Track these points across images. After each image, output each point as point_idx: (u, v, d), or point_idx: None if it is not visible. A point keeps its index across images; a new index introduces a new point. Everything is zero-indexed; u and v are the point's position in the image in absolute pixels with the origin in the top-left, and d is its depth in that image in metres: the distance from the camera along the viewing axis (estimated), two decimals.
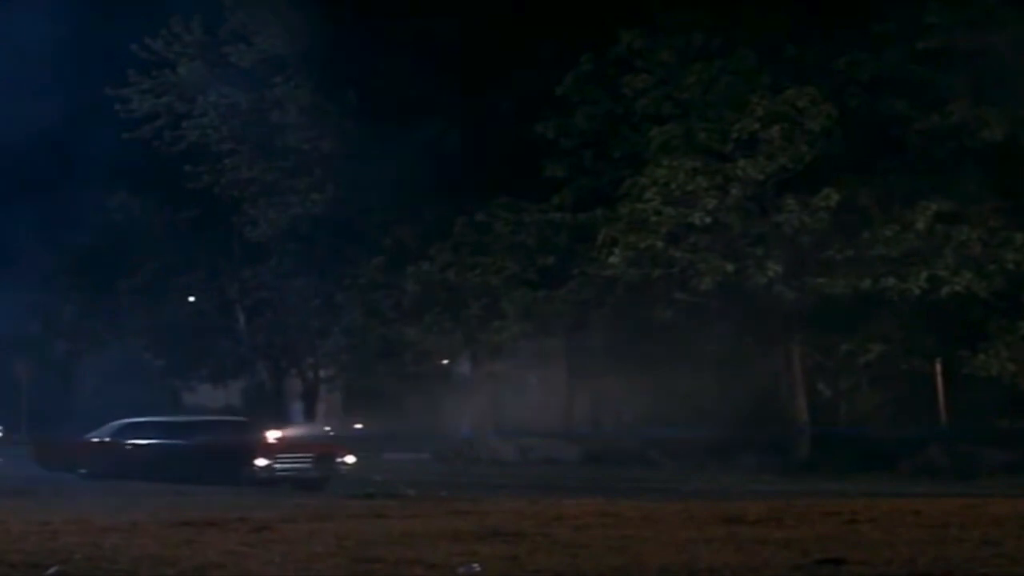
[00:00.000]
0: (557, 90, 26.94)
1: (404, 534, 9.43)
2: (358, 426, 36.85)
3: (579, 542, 8.76)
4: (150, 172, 34.40)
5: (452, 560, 7.66)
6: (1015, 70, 23.71)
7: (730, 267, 24.68)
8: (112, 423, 23.45)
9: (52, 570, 7.34)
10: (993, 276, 23.82)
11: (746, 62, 25.68)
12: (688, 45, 26.27)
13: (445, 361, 33.81)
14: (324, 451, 21.43)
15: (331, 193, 33.81)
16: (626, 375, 32.68)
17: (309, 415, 39.84)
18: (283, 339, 36.85)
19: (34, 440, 25.12)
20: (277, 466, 20.05)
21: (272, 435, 22.43)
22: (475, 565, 7.31)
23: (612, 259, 25.07)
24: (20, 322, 38.62)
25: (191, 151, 34.06)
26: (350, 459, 20.99)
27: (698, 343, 29.12)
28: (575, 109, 27.04)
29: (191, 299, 39.06)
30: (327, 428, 31.33)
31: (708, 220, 24.66)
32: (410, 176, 30.99)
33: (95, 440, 22.95)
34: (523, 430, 32.67)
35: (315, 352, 36.08)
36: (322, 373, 37.40)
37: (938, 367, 26.36)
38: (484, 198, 28.31)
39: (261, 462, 20.02)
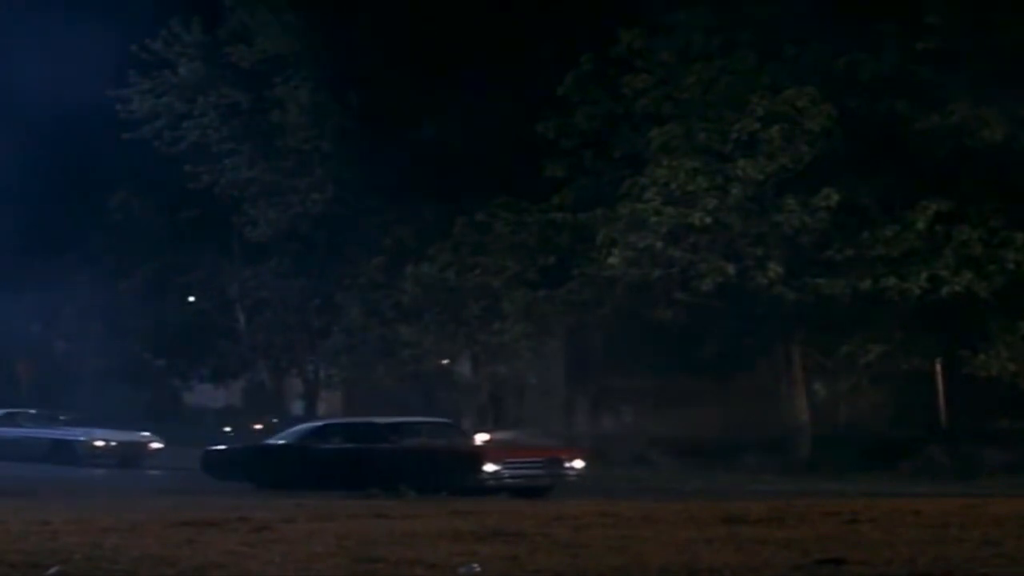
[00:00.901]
0: (557, 90, 26.93)
1: (404, 534, 9.43)
2: None
3: (579, 542, 8.76)
4: (150, 172, 34.36)
5: (452, 560, 7.66)
6: (1015, 70, 23.72)
7: (731, 268, 24.70)
8: (299, 426, 21.26)
9: (52, 570, 7.34)
10: (993, 276, 23.84)
11: (746, 62, 25.69)
12: (688, 45, 26.28)
13: (445, 361, 33.80)
14: (553, 455, 19.27)
15: (331, 193, 33.80)
16: (626, 375, 32.70)
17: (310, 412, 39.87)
18: (283, 339, 36.82)
19: (205, 448, 21.85)
20: (506, 472, 17.81)
21: (480, 438, 20.60)
22: (475, 565, 7.31)
23: (611, 259, 25.09)
24: (20, 322, 38.59)
25: (191, 151, 34.06)
26: (579, 463, 18.91)
27: (698, 343, 29.15)
28: (575, 109, 27.03)
29: (191, 299, 39.04)
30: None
31: (708, 220, 24.67)
32: (410, 176, 31.01)
33: (278, 445, 20.31)
34: (523, 430, 32.66)
35: (315, 352, 36.05)
36: (322, 373, 37.38)
37: (938, 367, 26.37)
38: (484, 198, 28.31)
39: (490, 468, 17.70)
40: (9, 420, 28.84)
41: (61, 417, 29.56)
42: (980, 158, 24.53)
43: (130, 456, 27.37)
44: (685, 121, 25.45)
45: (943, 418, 27.04)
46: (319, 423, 21.25)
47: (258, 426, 33.27)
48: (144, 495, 16.90)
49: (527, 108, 27.58)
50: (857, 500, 12.94)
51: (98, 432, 27.74)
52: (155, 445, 28.19)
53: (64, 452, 26.82)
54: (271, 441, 20.88)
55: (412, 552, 8.10)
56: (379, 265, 31.85)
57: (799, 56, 25.71)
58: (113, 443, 27.42)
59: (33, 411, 30.03)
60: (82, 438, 27.33)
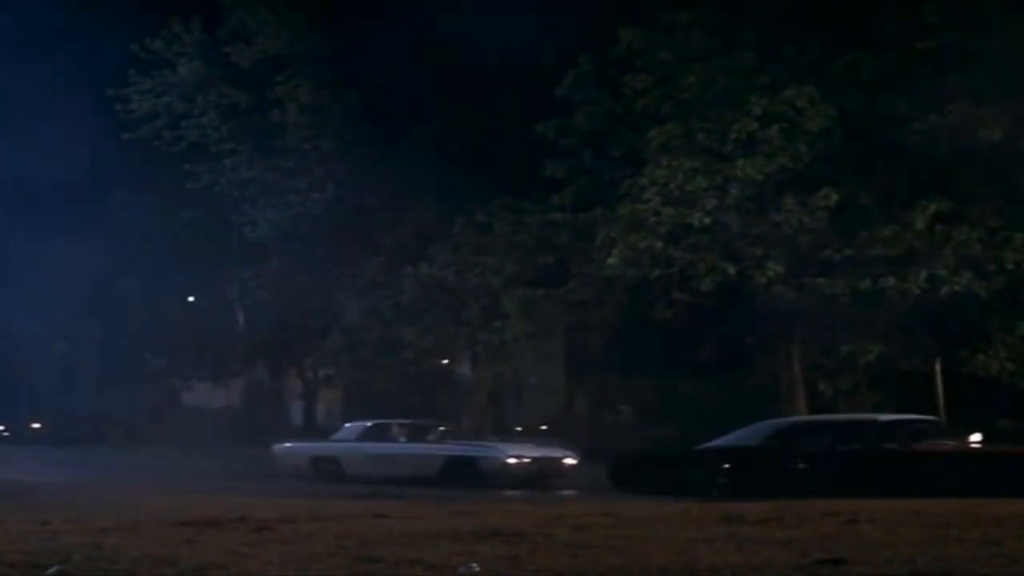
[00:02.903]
0: (557, 90, 26.94)
1: (404, 534, 9.42)
2: None
3: (579, 542, 8.76)
4: (150, 172, 34.38)
5: (452, 560, 7.66)
6: (1015, 70, 23.71)
7: (730, 268, 24.70)
8: (754, 426, 18.14)
9: (52, 570, 7.34)
10: (993, 276, 23.85)
11: (745, 62, 25.70)
12: (688, 45, 26.29)
13: (445, 361, 33.82)
14: None
15: (331, 193, 33.82)
16: (626, 375, 32.70)
17: (308, 415, 39.90)
18: (283, 339, 36.85)
19: (617, 456, 18.61)
20: None
21: (975, 438, 18.36)
22: (475, 565, 7.30)
23: (611, 260, 25.09)
24: (20, 322, 38.63)
25: (191, 151, 34.07)
26: None
27: (698, 343, 29.17)
28: (575, 109, 27.04)
29: (191, 299, 39.08)
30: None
31: (707, 220, 24.67)
32: (410, 176, 31.00)
33: (736, 449, 17.39)
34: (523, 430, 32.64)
35: (315, 352, 36.08)
36: (322, 373, 37.39)
37: (938, 367, 26.37)
38: (484, 198, 28.32)
39: None
40: (381, 433, 24.37)
41: (440, 428, 25.26)
42: (980, 158, 24.52)
43: (545, 474, 22.73)
44: (684, 121, 25.45)
45: (943, 418, 27.03)
46: (786, 421, 18.14)
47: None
48: (144, 495, 16.90)
49: (527, 108, 27.59)
50: (857, 500, 12.92)
51: (511, 447, 23.14)
52: (569, 461, 23.58)
53: (463, 471, 22.01)
54: (714, 445, 17.69)
55: (412, 552, 8.10)
56: (379, 265, 31.86)
57: (799, 56, 25.72)
58: (527, 459, 22.54)
59: (407, 421, 25.80)
60: (490, 454, 22.63)
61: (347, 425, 25.44)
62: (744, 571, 7.20)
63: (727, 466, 16.91)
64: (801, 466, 16.34)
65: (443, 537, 9.08)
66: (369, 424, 24.74)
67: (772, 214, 24.95)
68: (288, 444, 25.55)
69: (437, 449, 23.13)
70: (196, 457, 30.27)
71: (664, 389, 32.26)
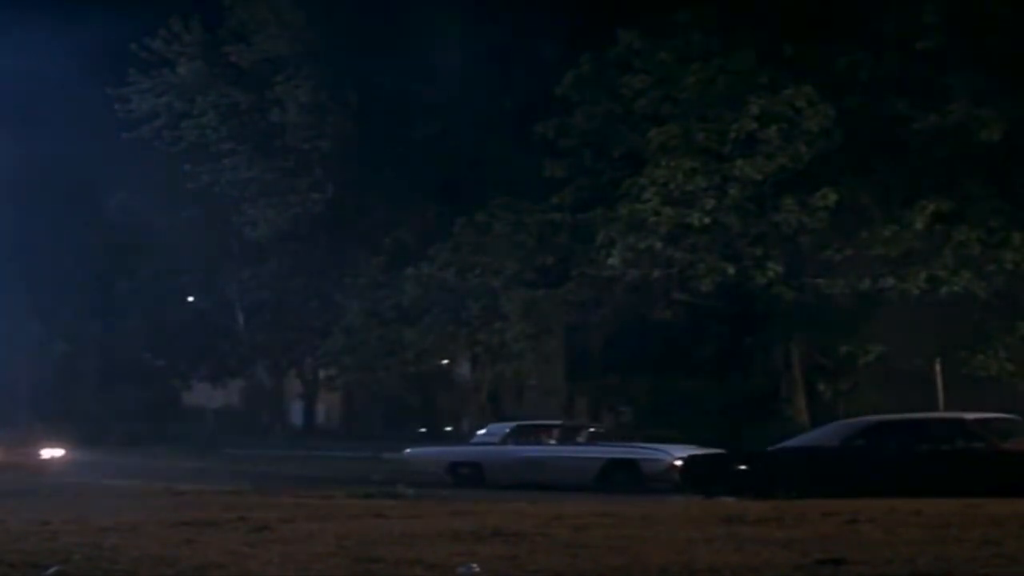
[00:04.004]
0: (557, 90, 26.96)
1: (404, 534, 9.42)
2: None
3: (579, 542, 8.75)
4: (150, 172, 34.40)
5: (452, 560, 7.65)
6: (1015, 70, 23.72)
7: (730, 268, 24.72)
8: (830, 426, 17.64)
9: (52, 570, 7.34)
10: (992, 276, 23.87)
11: (744, 62, 25.70)
12: (687, 45, 26.30)
13: (445, 361, 33.84)
14: None
15: (331, 193, 33.85)
16: (626, 375, 32.67)
17: (309, 415, 39.89)
18: (283, 339, 36.86)
19: (690, 455, 17.82)
20: None
21: None
22: (474, 565, 7.30)
23: (611, 260, 25.11)
24: (20, 322, 38.60)
25: (191, 151, 34.09)
26: None
27: (698, 343, 29.16)
28: (575, 109, 27.06)
29: (191, 299, 39.09)
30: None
31: (707, 220, 24.70)
32: (410, 176, 31.02)
33: (811, 448, 16.56)
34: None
35: (315, 352, 36.09)
36: (322, 373, 37.41)
37: (938, 367, 26.38)
38: (484, 198, 28.34)
39: None
40: (527, 436, 22.17)
41: (590, 429, 23.20)
42: (979, 158, 24.54)
43: None
44: (684, 121, 25.48)
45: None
46: (867, 420, 17.34)
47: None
48: (144, 495, 16.91)
49: (527, 108, 27.61)
50: (857, 500, 12.92)
51: (675, 448, 20.57)
52: None
53: (624, 475, 20.02)
54: (790, 445, 16.93)
55: (412, 552, 8.09)
56: (379, 265, 31.89)
57: (798, 56, 25.72)
58: None
59: (555, 422, 23.90)
60: (655, 456, 20.40)
61: (487, 428, 23.65)
62: (744, 571, 7.20)
63: (806, 466, 16.02)
64: (885, 466, 15.54)
65: (443, 537, 9.07)
66: (512, 426, 22.86)
67: (772, 214, 24.97)
68: (423, 448, 23.97)
69: (595, 451, 20.98)
70: (196, 457, 30.24)
71: (664, 389, 32.22)
